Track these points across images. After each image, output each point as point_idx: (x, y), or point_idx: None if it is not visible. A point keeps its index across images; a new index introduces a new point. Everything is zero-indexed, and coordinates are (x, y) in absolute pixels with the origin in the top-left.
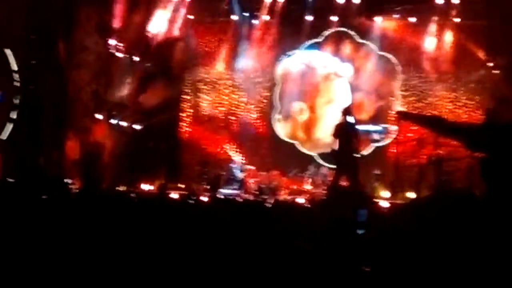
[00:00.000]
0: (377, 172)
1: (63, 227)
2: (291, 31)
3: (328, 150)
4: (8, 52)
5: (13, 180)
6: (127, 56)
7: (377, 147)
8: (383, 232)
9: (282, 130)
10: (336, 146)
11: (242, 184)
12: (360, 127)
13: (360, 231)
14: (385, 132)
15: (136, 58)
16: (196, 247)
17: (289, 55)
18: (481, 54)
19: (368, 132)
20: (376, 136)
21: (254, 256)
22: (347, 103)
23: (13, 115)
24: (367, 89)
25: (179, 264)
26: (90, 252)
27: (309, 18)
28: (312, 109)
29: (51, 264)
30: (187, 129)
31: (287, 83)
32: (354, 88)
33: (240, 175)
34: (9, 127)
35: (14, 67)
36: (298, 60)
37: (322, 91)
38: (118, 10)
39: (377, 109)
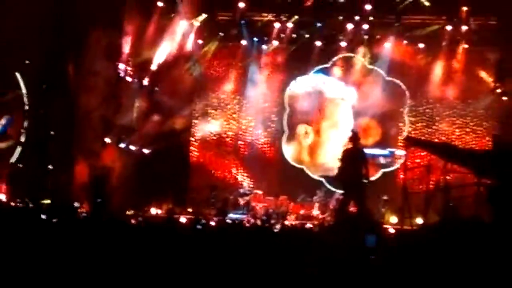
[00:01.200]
0: (385, 197)
1: (70, 251)
2: (300, 56)
3: (332, 174)
4: (18, 75)
5: (22, 205)
6: (136, 80)
7: (385, 173)
8: (391, 257)
9: (288, 153)
10: (341, 171)
11: (249, 209)
12: (366, 151)
13: (368, 257)
14: (391, 156)
15: (145, 82)
16: (204, 272)
17: (298, 80)
18: (489, 81)
19: (374, 156)
20: (382, 160)
21: (262, 281)
22: (350, 127)
23: (22, 138)
24: (375, 113)
25: None
26: (97, 276)
27: (318, 43)
28: (317, 132)
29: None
30: (195, 153)
31: (294, 107)
32: (361, 113)
33: (247, 200)
34: (18, 150)
35: (24, 90)
36: (306, 84)
37: (327, 115)
38: (128, 34)
39: (384, 134)
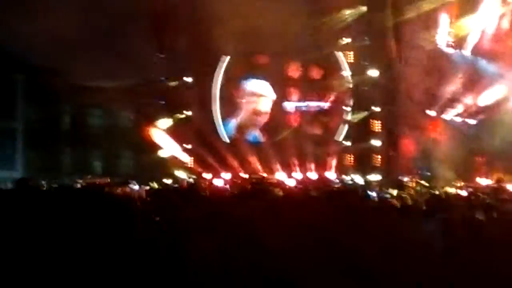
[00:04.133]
0: None
1: None
2: None
3: None
4: (339, 55)
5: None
6: (458, 50)
7: None
8: None
9: None
10: None
11: None
12: None
13: None
14: None
15: (467, 53)
16: None
17: None
18: None
19: None
20: None
21: None
22: None
23: (348, 116)
24: None
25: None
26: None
27: None
28: None
29: None
30: None
31: None
32: None
33: None
34: (343, 128)
35: (347, 69)
36: None
37: None
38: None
39: None
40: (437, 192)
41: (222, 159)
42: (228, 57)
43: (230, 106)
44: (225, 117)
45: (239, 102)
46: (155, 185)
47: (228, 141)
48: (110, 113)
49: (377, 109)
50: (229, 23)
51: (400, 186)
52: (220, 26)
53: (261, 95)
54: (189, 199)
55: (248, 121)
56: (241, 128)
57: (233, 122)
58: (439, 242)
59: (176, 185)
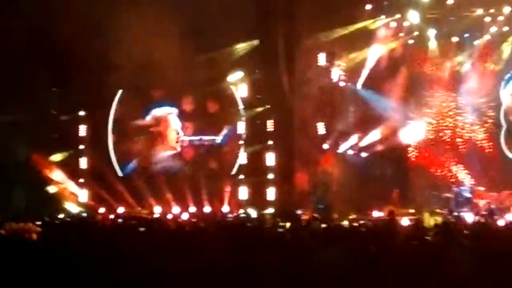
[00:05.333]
0: None
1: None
2: None
3: None
4: (233, 89)
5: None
6: (350, 84)
7: None
8: None
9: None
10: None
11: (471, 205)
12: None
13: None
14: None
15: (358, 86)
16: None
17: None
18: None
19: None
20: None
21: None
22: None
23: (241, 150)
24: None
25: None
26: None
27: None
28: None
29: None
30: (414, 153)
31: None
32: None
33: (469, 196)
34: (237, 162)
35: (240, 103)
36: None
37: None
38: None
39: None
40: (329, 225)
41: (117, 194)
42: (121, 91)
43: (128, 140)
44: (126, 151)
45: (139, 135)
46: (47, 219)
47: (121, 175)
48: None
49: (270, 142)
50: (125, 56)
51: (294, 219)
52: (116, 59)
53: (167, 114)
54: (80, 232)
55: (151, 154)
56: (144, 162)
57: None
58: (332, 271)
59: (68, 219)
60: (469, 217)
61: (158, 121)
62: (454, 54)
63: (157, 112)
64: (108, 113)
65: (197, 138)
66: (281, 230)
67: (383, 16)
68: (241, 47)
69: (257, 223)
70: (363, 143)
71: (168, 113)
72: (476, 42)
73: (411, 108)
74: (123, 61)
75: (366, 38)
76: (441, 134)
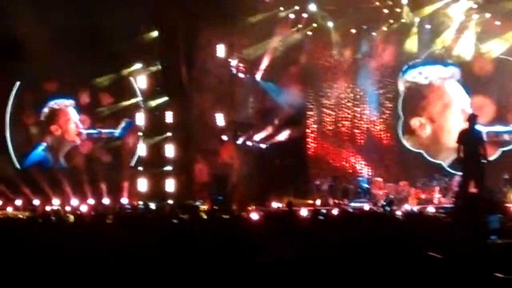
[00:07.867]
0: (506, 176)
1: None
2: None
3: (453, 156)
4: (132, 80)
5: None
6: (249, 75)
7: (504, 151)
8: None
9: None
10: (461, 153)
11: (370, 196)
12: (489, 129)
13: (492, 238)
14: None
15: (258, 78)
16: (324, 260)
17: (411, 67)
18: None
19: (498, 134)
20: (506, 137)
21: (386, 266)
22: (464, 105)
23: (140, 142)
24: (488, 91)
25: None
26: (221, 272)
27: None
28: (431, 120)
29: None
30: (312, 144)
31: (407, 94)
32: (474, 90)
33: (367, 187)
34: (136, 154)
35: (139, 94)
36: (417, 72)
37: (434, 100)
38: (238, 31)
39: (501, 110)
40: (227, 216)
41: (14, 186)
42: (19, 83)
43: (29, 133)
44: (28, 143)
45: (41, 127)
46: None
47: (19, 167)
48: None
49: (169, 134)
50: (22, 47)
51: (192, 210)
52: (14, 50)
53: (64, 106)
54: None
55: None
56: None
57: (41, 147)
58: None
59: None
60: (366, 207)
61: (56, 113)
62: (352, 45)
63: (54, 104)
64: (5, 105)
65: (96, 131)
66: (175, 221)
67: (281, 8)
68: (140, 38)
69: (156, 214)
70: (262, 135)
71: (66, 105)
72: (374, 34)
73: (310, 99)
74: (21, 51)
75: (265, 30)
76: (339, 125)
